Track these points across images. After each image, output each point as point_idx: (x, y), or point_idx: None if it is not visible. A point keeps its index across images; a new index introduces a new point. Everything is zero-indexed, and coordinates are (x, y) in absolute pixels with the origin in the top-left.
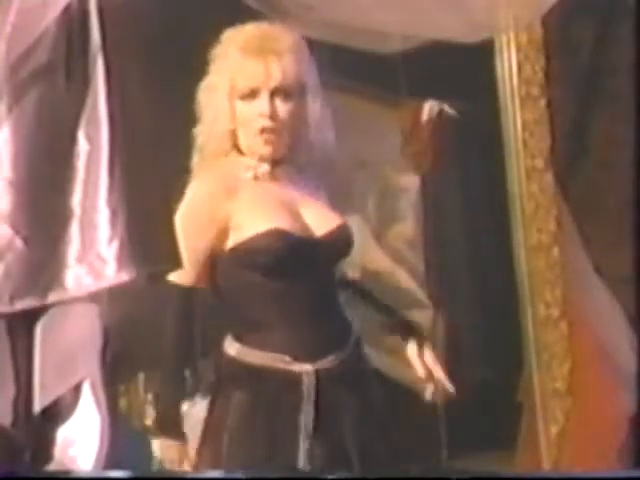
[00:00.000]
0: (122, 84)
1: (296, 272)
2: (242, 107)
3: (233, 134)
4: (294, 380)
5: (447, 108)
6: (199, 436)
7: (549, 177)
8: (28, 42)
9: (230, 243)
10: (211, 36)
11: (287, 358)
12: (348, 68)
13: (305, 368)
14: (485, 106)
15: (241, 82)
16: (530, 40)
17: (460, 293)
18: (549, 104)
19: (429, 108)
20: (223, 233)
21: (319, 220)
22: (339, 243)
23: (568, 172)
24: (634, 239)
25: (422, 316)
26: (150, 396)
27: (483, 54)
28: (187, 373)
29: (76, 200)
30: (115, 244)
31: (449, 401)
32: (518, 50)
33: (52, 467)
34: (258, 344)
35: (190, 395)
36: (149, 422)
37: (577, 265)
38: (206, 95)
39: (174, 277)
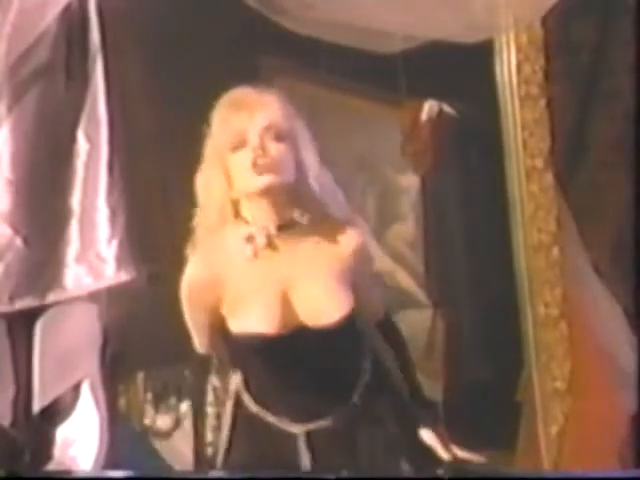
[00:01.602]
0: (122, 84)
1: (285, 363)
2: (234, 159)
3: (235, 204)
4: (290, 437)
5: (447, 108)
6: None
7: (549, 177)
8: (28, 42)
9: (228, 326)
10: (211, 36)
11: (284, 420)
12: (348, 68)
13: (298, 429)
14: (485, 106)
15: (229, 135)
16: (530, 40)
17: (460, 293)
18: (549, 104)
19: (429, 108)
20: (218, 318)
21: (314, 308)
22: (340, 338)
23: (568, 172)
24: (634, 239)
25: (422, 316)
26: (150, 395)
27: (483, 54)
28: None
29: (76, 199)
30: (114, 244)
31: (449, 401)
32: (518, 50)
33: (52, 467)
34: (260, 401)
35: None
36: (148, 421)
37: (577, 265)
38: (203, 190)
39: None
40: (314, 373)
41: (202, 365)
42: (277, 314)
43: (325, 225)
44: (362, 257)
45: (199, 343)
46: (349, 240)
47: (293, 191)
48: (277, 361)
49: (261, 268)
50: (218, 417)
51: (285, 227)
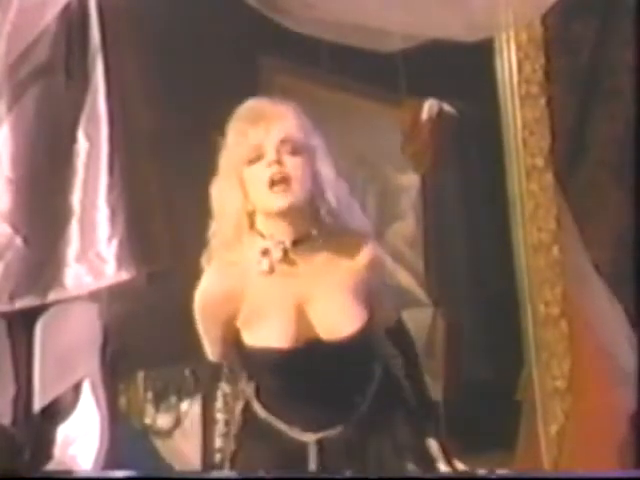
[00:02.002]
0: (121, 83)
1: (298, 375)
2: (250, 171)
3: (250, 216)
4: (301, 445)
5: (447, 107)
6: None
7: (549, 176)
8: (28, 41)
9: (242, 339)
10: (212, 35)
11: (295, 429)
12: (348, 67)
13: (309, 437)
14: (485, 105)
15: (245, 148)
16: (530, 39)
17: (460, 292)
18: (549, 103)
19: (429, 107)
20: (232, 330)
21: (329, 321)
22: (353, 350)
23: (568, 171)
24: (634, 239)
25: (422, 315)
26: (150, 394)
27: (483, 53)
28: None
29: (76, 199)
30: (115, 243)
31: (449, 400)
32: (518, 49)
33: (52, 466)
34: (271, 409)
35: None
36: (148, 420)
37: (577, 264)
38: (218, 202)
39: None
40: (326, 384)
41: (213, 372)
42: (292, 328)
43: (340, 238)
44: (377, 269)
45: (211, 352)
46: (364, 253)
47: (309, 205)
48: (290, 373)
49: (277, 282)
50: (227, 424)
51: (301, 241)
